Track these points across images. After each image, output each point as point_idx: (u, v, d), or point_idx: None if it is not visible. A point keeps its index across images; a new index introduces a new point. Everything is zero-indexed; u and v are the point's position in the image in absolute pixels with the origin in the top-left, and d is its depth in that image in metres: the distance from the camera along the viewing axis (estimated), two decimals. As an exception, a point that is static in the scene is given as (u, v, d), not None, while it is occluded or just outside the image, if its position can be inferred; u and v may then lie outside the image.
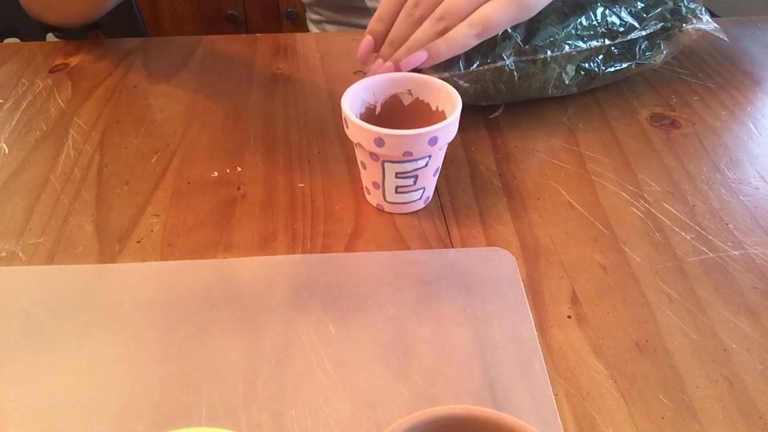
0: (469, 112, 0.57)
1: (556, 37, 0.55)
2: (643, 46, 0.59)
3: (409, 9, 0.49)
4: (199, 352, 0.39)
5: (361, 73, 0.53)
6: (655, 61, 0.60)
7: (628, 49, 0.59)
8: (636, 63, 0.60)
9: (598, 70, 0.58)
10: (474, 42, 0.47)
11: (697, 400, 0.37)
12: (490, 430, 0.26)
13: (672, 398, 0.37)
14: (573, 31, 0.55)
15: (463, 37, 0.46)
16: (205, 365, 0.38)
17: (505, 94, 0.57)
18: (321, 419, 0.35)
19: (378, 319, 0.41)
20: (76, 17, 0.68)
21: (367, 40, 0.50)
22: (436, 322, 0.40)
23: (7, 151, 0.54)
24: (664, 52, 0.60)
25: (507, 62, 0.54)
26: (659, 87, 0.63)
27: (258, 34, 0.72)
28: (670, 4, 0.59)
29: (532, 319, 0.41)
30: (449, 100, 0.46)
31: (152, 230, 0.47)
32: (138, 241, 0.46)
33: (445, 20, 0.46)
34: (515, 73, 0.54)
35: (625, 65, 0.59)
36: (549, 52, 0.55)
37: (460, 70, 0.53)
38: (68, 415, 0.35)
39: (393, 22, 0.50)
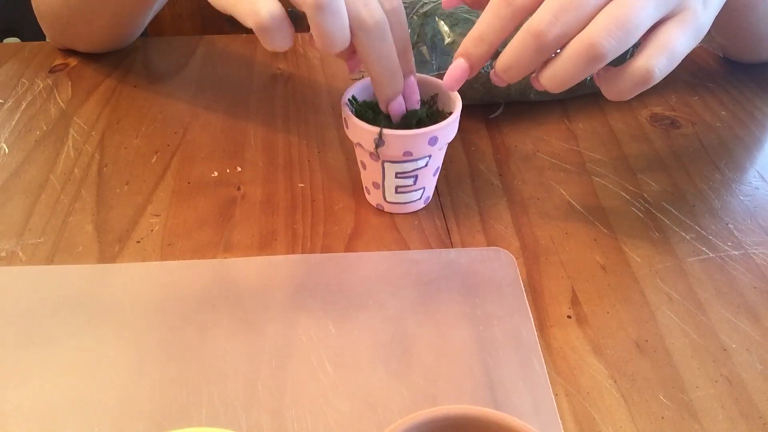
0: (469, 112, 0.57)
1: None
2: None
3: None
4: (199, 352, 0.39)
5: (361, 74, 0.53)
6: None
7: (618, 59, 0.58)
8: None
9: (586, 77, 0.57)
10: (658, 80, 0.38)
11: (697, 400, 0.37)
12: (490, 430, 0.26)
13: (672, 398, 0.37)
14: None
15: (650, 72, 0.38)
16: (205, 365, 0.38)
17: (506, 93, 0.57)
18: (321, 419, 0.35)
19: (378, 319, 0.41)
20: (105, 45, 0.66)
21: (460, 66, 0.39)
22: (436, 322, 0.40)
23: (7, 151, 0.54)
24: None
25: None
26: (659, 87, 0.63)
27: (258, 34, 0.71)
28: None
29: (532, 319, 0.41)
30: (449, 100, 0.46)
31: (152, 230, 0.47)
32: (138, 241, 0.46)
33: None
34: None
35: None
36: None
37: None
38: (68, 415, 0.35)
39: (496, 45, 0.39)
